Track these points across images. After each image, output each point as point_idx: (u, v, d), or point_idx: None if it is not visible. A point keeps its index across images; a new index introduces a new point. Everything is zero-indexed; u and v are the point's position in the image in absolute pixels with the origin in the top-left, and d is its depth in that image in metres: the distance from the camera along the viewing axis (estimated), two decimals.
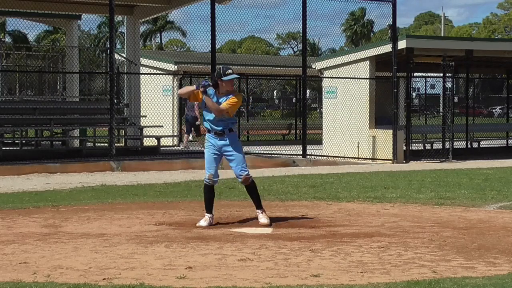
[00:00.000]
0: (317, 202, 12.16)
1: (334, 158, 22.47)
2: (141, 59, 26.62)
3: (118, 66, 24.09)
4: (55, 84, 30.76)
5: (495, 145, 29.76)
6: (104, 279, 6.45)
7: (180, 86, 31.35)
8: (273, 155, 22.45)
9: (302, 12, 21.87)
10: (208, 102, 9.60)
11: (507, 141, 30.84)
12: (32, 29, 48.98)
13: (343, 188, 14.17)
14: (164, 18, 70.44)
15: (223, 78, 9.51)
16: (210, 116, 9.67)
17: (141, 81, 25.12)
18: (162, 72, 29.11)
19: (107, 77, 22.88)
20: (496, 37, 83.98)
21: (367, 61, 23.27)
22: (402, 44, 22.30)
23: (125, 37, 26.64)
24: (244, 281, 6.38)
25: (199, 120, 26.90)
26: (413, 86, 36.87)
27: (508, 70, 31.44)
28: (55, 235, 8.86)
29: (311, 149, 22.43)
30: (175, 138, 27.85)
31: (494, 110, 63.17)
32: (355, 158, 22.56)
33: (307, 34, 22.51)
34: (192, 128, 27.54)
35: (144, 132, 22.96)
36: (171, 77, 29.40)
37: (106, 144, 21.63)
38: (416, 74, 28.44)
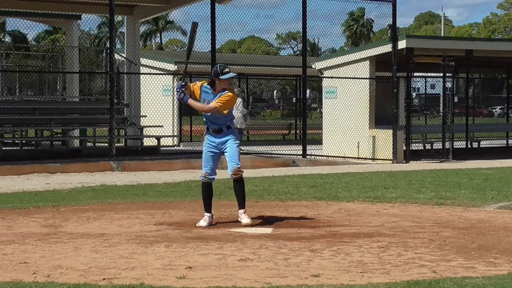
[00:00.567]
0: (317, 202, 12.16)
1: (334, 158, 22.47)
2: (141, 59, 26.62)
3: (118, 66, 24.09)
4: (55, 84, 30.76)
5: (495, 145, 29.77)
6: (104, 279, 6.45)
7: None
8: (273, 155, 22.44)
9: (302, 12, 21.87)
10: (195, 106, 9.66)
11: (507, 141, 30.85)
12: (32, 29, 49.02)
13: (343, 188, 14.17)
14: (164, 18, 70.47)
15: (221, 77, 9.52)
16: (207, 114, 9.68)
17: (141, 81, 25.12)
18: (162, 72, 29.10)
19: (107, 77, 22.89)
20: (496, 37, 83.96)
21: (367, 61, 23.28)
22: (402, 44, 22.30)
23: (125, 37, 26.64)
24: (244, 281, 6.38)
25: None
26: (413, 86, 36.88)
27: (508, 70, 31.45)
28: (55, 235, 8.86)
29: (311, 149, 22.43)
30: (175, 138, 27.85)
31: (494, 110, 63.17)
32: (355, 158, 22.56)
33: (307, 34, 22.52)
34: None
35: (144, 132, 22.96)
36: (171, 77, 29.38)
37: (106, 144, 21.63)
38: (416, 74, 28.45)
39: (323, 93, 25.33)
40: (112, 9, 19.56)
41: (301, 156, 21.85)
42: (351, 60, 23.77)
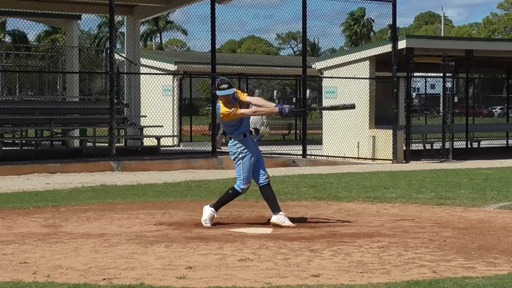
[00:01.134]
0: (317, 202, 12.17)
1: (334, 158, 22.47)
2: (141, 59, 26.61)
3: (118, 66, 24.08)
4: (55, 84, 30.74)
5: (495, 145, 29.76)
6: (104, 279, 6.45)
7: (180, 86, 31.37)
8: (273, 155, 22.43)
9: (302, 12, 21.86)
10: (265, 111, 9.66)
11: (507, 141, 30.85)
12: (32, 29, 48.97)
13: (343, 188, 14.17)
14: (164, 18, 70.47)
15: (217, 93, 9.48)
16: (237, 124, 9.52)
17: (141, 81, 25.11)
18: (162, 72, 29.10)
19: (107, 77, 22.87)
20: (496, 37, 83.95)
21: (367, 61, 23.28)
22: (402, 44, 22.30)
23: (125, 37, 26.63)
24: (244, 281, 6.38)
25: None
26: (413, 86, 36.89)
27: (508, 70, 31.45)
28: (55, 235, 8.86)
29: (311, 149, 22.43)
30: (175, 138, 27.85)
31: (494, 110, 63.17)
32: (355, 158, 22.56)
33: (307, 34, 22.51)
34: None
35: (144, 132, 22.95)
36: (171, 77, 29.39)
37: (106, 144, 21.63)
38: (416, 74, 28.45)
39: (323, 93, 25.32)
40: (112, 9, 19.56)
41: (301, 156, 21.84)
42: (351, 60, 23.77)
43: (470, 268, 6.97)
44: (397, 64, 22.03)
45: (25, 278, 6.48)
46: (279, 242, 8.29)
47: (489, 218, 10.35)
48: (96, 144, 25.53)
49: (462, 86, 43.65)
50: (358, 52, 24.12)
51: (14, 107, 22.63)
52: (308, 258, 7.38)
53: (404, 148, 22.47)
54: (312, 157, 22.24)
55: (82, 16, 26.98)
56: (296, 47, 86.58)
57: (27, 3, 23.37)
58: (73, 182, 15.70)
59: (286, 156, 22.39)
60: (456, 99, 35.84)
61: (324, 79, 24.92)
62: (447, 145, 23.04)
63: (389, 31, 22.67)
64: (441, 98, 25.53)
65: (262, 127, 25.34)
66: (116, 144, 19.80)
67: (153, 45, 78.26)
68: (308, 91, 29.40)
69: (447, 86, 23.94)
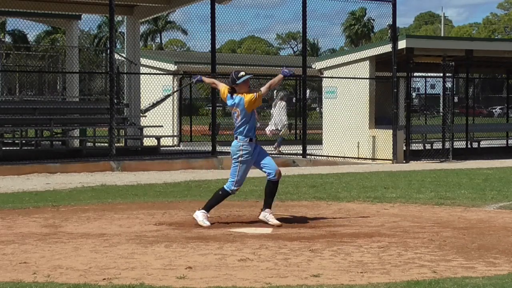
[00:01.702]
0: (317, 202, 12.17)
1: (334, 158, 22.47)
2: (141, 59, 26.60)
3: (118, 66, 24.07)
4: (55, 84, 30.75)
5: (495, 145, 29.76)
6: (104, 279, 6.45)
7: (180, 86, 31.37)
8: (273, 155, 22.40)
9: (302, 12, 21.85)
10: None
11: (507, 141, 30.84)
12: (32, 29, 48.99)
13: (343, 188, 14.17)
14: (164, 18, 70.47)
15: (238, 82, 9.58)
16: (250, 124, 9.66)
17: (141, 81, 25.11)
18: (162, 72, 29.10)
19: (107, 77, 22.87)
20: (496, 37, 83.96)
21: (367, 61, 23.27)
22: (402, 44, 22.30)
23: (125, 37, 26.63)
24: (244, 281, 6.38)
25: (258, 124, 27.43)
26: (413, 86, 36.87)
27: (508, 70, 31.44)
28: (55, 235, 8.86)
29: (311, 149, 22.43)
30: (175, 138, 27.85)
31: (494, 110, 63.17)
32: (355, 158, 22.55)
33: (307, 34, 22.51)
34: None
35: (144, 132, 22.95)
36: (171, 77, 29.39)
37: (106, 144, 21.62)
38: (416, 74, 28.44)
39: (323, 93, 25.32)
40: (112, 9, 19.55)
41: (301, 156, 21.84)
42: (351, 60, 23.77)
43: (470, 268, 6.97)
44: (397, 64, 22.02)
45: (25, 278, 6.48)
46: (279, 242, 8.29)
47: (489, 218, 10.36)
48: (96, 144, 25.52)
49: (462, 86, 43.64)
50: (358, 52, 24.11)
51: (14, 107, 22.62)
52: (308, 258, 7.39)
53: (404, 148, 22.47)
54: (312, 157, 22.24)
55: (82, 16, 26.97)
56: (296, 47, 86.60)
57: (27, 3, 23.36)
58: (73, 182, 15.70)
59: (286, 156, 22.39)
60: (456, 99, 35.83)
61: (324, 79, 24.92)
62: (447, 145, 23.04)
63: (389, 31, 22.67)
64: (441, 98, 25.53)
65: (283, 130, 25.41)
66: (116, 144, 19.79)
67: (153, 45, 78.25)
68: (308, 91, 29.38)
69: (447, 86, 23.94)
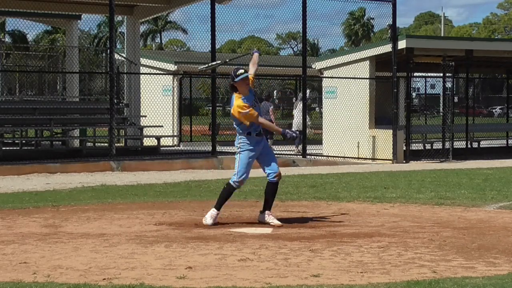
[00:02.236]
0: (317, 202, 12.16)
1: (334, 158, 22.47)
2: (141, 59, 26.61)
3: (118, 66, 24.08)
4: (55, 84, 30.76)
5: (495, 145, 29.76)
6: (104, 279, 6.45)
7: (180, 86, 31.38)
8: (277, 155, 22.42)
9: (302, 12, 21.86)
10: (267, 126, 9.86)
11: (507, 141, 30.85)
12: (32, 29, 49.01)
13: (343, 188, 14.17)
14: (164, 18, 70.47)
15: (236, 80, 9.53)
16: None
17: (141, 81, 25.12)
18: (162, 72, 29.10)
19: (107, 77, 22.88)
20: (496, 37, 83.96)
21: (367, 61, 23.28)
22: (402, 44, 22.30)
23: (125, 37, 26.64)
24: (244, 281, 6.38)
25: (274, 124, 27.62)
26: (413, 86, 36.89)
27: (508, 70, 31.45)
28: (55, 235, 8.86)
29: (311, 149, 22.43)
30: (175, 138, 27.85)
31: (494, 110, 63.18)
32: (355, 158, 22.56)
33: (307, 34, 22.51)
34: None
35: (144, 132, 22.96)
36: (171, 77, 29.39)
37: (106, 144, 21.63)
38: (416, 74, 28.45)
39: (323, 93, 25.33)
40: (112, 9, 19.56)
41: (301, 156, 21.84)
42: (351, 60, 23.77)
43: (470, 268, 6.97)
44: (397, 64, 22.02)
45: (25, 278, 6.48)
46: (279, 242, 8.29)
47: (489, 218, 10.35)
48: (96, 144, 25.53)
49: (462, 86, 43.66)
50: (358, 52, 24.11)
51: (14, 107, 22.63)
52: (308, 258, 7.39)
53: (404, 148, 22.47)
54: (312, 157, 22.24)
55: (82, 16, 26.98)
56: (296, 47, 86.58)
57: (27, 3, 23.37)
58: (73, 182, 15.70)
59: (286, 156, 22.39)
60: (456, 99, 35.84)
61: (324, 79, 24.92)
62: (447, 145, 23.05)
63: (389, 31, 22.67)
64: (441, 98, 25.53)
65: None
66: (116, 144, 19.80)
67: (153, 45, 78.25)
68: (308, 91, 29.32)
69: (447, 86, 23.94)
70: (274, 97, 72.34)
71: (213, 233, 8.98)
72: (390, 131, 21.98)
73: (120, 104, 23.33)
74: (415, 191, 13.63)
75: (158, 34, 79.85)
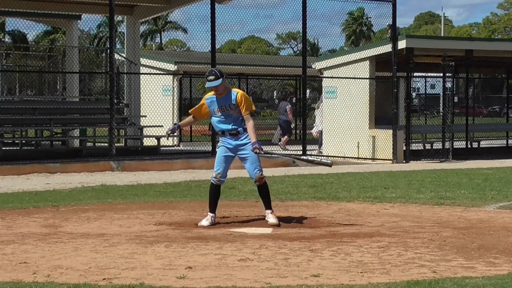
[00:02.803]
0: (317, 202, 12.17)
1: (334, 158, 22.45)
2: (141, 59, 26.61)
3: (118, 66, 24.08)
4: (55, 84, 30.75)
5: (495, 145, 29.76)
6: (104, 279, 6.45)
7: (180, 86, 31.39)
8: (273, 155, 22.39)
9: (302, 12, 21.85)
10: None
11: (507, 141, 30.84)
12: (32, 29, 49.02)
13: (343, 188, 14.17)
14: (164, 18, 70.46)
15: (205, 84, 9.69)
16: (218, 118, 9.68)
17: (141, 81, 25.12)
18: (162, 72, 29.09)
19: (107, 77, 22.87)
20: (496, 37, 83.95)
21: (367, 61, 23.27)
22: (402, 44, 22.30)
23: (125, 37, 26.64)
24: (244, 281, 6.38)
25: (292, 123, 27.79)
26: (413, 86, 36.86)
27: (508, 70, 31.43)
28: (55, 235, 8.86)
29: (311, 149, 22.42)
30: (175, 138, 27.84)
31: (495, 110, 63.20)
32: (355, 158, 22.55)
33: (307, 34, 22.51)
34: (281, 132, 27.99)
35: (144, 132, 22.95)
36: (171, 77, 29.39)
37: (106, 144, 21.62)
38: (416, 74, 28.43)
39: (323, 93, 25.32)
40: (112, 9, 19.56)
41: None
42: (351, 60, 23.76)
43: (470, 268, 6.97)
44: (397, 64, 22.02)
45: (25, 278, 6.48)
46: (279, 242, 8.29)
47: (489, 218, 10.36)
48: (96, 144, 25.53)
49: (462, 86, 43.66)
50: (358, 52, 24.10)
51: (14, 107, 22.63)
52: (308, 258, 7.39)
53: (404, 148, 22.46)
54: (312, 157, 22.22)
55: (82, 16, 26.98)
56: (296, 47, 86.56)
57: (27, 3, 23.36)
58: (73, 182, 15.71)
59: (286, 156, 22.35)
60: (456, 99, 35.84)
61: (324, 79, 24.91)
62: (447, 145, 23.04)
63: (389, 31, 22.67)
64: (441, 98, 25.51)
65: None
66: (116, 144, 19.80)
67: (153, 45, 78.25)
68: (308, 91, 29.40)
69: (447, 86, 23.93)
70: (274, 97, 72.37)
71: (213, 233, 8.98)
72: (390, 131, 21.97)
73: (120, 104, 23.33)
74: (415, 191, 13.63)
75: (158, 34, 79.85)
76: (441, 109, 26.67)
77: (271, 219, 9.67)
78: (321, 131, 24.84)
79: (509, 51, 25.04)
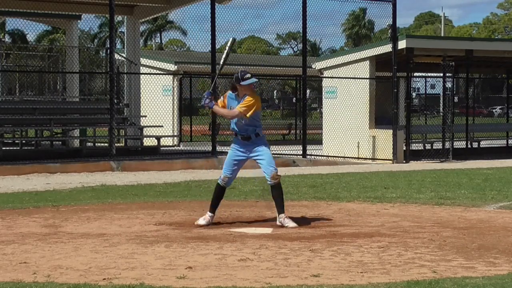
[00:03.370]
0: (317, 202, 12.16)
1: (334, 158, 22.46)
2: (141, 59, 26.62)
3: (118, 66, 24.08)
4: (55, 84, 30.76)
5: (495, 145, 29.76)
6: (104, 279, 6.45)
7: (180, 86, 31.39)
8: (273, 155, 22.39)
9: (302, 12, 21.86)
10: (219, 112, 9.72)
11: (507, 141, 30.85)
12: (32, 29, 49.02)
13: (343, 188, 14.17)
14: (164, 18, 70.43)
15: (242, 83, 9.56)
16: (234, 121, 9.68)
17: (141, 81, 25.12)
18: (162, 72, 29.10)
19: (107, 77, 22.88)
20: (496, 37, 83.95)
21: (367, 61, 23.27)
22: (402, 44, 22.30)
23: (125, 37, 26.65)
24: (244, 281, 6.38)
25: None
26: (413, 86, 36.88)
27: (508, 70, 31.45)
28: (55, 235, 8.86)
29: (311, 149, 22.43)
30: (175, 138, 27.86)
31: (494, 110, 63.20)
32: (355, 158, 22.55)
33: (307, 34, 22.51)
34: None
35: (144, 132, 22.95)
36: (171, 77, 29.40)
37: (106, 144, 21.63)
38: (416, 74, 28.45)
39: (323, 93, 25.33)
40: (112, 9, 19.56)
41: (301, 156, 21.84)
42: (351, 60, 23.77)
43: (470, 268, 6.97)
44: (397, 64, 22.02)
45: (25, 278, 6.48)
46: (279, 242, 8.29)
47: (489, 218, 10.35)
48: (96, 144, 25.53)
49: (462, 86, 43.67)
50: (358, 52, 24.11)
51: (14, 107, 22.63)
52: (308, 258, 7.38)
53: (404, 148, 22.46)
54: (312, 157, 22.24)
55: (82, 16, 26.98)
56: (296, 47, 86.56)
57: (27, 3, 23.37)
58: (73, 182, 15.70)
59: (286, 156, 22.39)
60: (456, 99, 35.85)
61: (324, 79, 24.92)
62: (447, 145, 23.04)
63: (389, 31, 22.67)
64: (441, 98, 25.52)
65: None
66: (116, 144, 19.80)
67: (153, 45, 78.26)
68: (308, 91, 29.42)
69: (447, 86, 23.93)
70: (274, 97, 72.39)
71: (213, 233, 8.98)
72: (390, 131, 21.97)
73: (120, 104, 23.33)
74: (415, 191, 13.63)
75: (158, 34, 79.85)
76: (441, 109, 26.67)
77: (289, 223, 9.50)
78: None
79: (509, 51, 25.04)
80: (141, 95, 24.99)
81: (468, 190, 13.71)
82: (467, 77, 29.66)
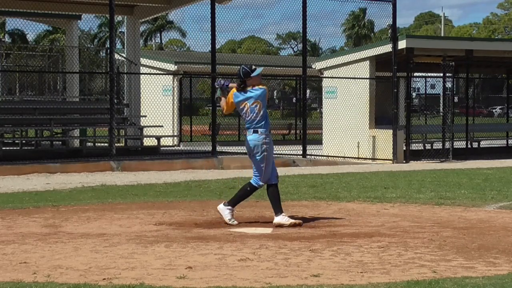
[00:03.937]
0: (317, 202, 12.16)
1: (334, 158, 22.47)
2: (141, 59, 26.62)
3: (118, 66, 24.09)
4: (55, 84, 30.76)
5: (495, 145, 29.76)
6: (104, 279, 6.45)
7: (180, 86, 31.39)
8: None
9: (302, 12, 21.86)
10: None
11: (507, 141, 30.86)
12: (32, 29, 49.00)
13: (343, 188, 14.17)
14: (164, 18, 70.47)
15: (253, 75, 9.58)
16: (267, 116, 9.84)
17: (141, 81, 25.13)
18: (162, 72, 29.11)
19: (107, 77, 22.88)
20: (496, 37, 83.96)
21: (367, 61, 23.28)
22: (402, 44, 22.31)
23: (125, 37, 26.65)
24: (244, 281, 6.38)
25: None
26: (413, 86, 36.88)
27: (508, 70, 31.46)
28: (55, 235, 8.86)
29: (311, 149, 22.43)
30: (175, 138, 27.86)
31: (494, 110, 63.18)
32: (355, 158, 22.56)
33: (307, 34, 22.51)
34: None
35: (144, 132, 22.96)
36: (171, 77, 29.40)
37: (106, 144, 21.63)
38: (416, 74, 28.45)
39: (323, 93, 25.33)
40: (112, 9, 19.56)
41: (301, 156, 21.84)
42: (351, 60, 23.78)
43: (470, 268, 6.97)
44: (397, 64, 22.02)
45: (25, 278, 6.48)
46: (279, 242, 8.29)
47: (489, 218, 10.35)
48: (96, 144, 25.54)
49: (462, 86, 43.67)
50: (358, 52, 24.12)
51: (14, 107, 22.64)
52: (308, 258, 7.38)
53: (404, 148, 22.47)
54: (312, 157, 22.24)
55: (82, 16, 26.99)
56: (296, 47, 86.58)
57: (27, 3, 23.37)
58: (73, 182, 15.70)
59: (286, 156, 22.39)
60: (456, 99, 35.85)
61: (324, 79, 24.92)
62: (447, 145, 23.05)
63: (389, 31, 22.68)
64: (441, 98, 25.52)
65: None
66: (116, 144, 19.80)
67: (153, 45, 78.27)
68: (308, 91, 29.41)
69: (447, 86, 23.94)
70: (274, 97, 72.37)
71: (213, 233, 8.98)
72: (390, 131, 21.98)
73: (120, 104, 23.34)
74: (415, 191, 13.63)
75: (158, 34, 79.87)
76: (441, 109, 26.68)
77: (289, 220, 9.50)
78: None
79: (509, 51, 25.05)
80: (141, 95, 25.00)
81: (468, 190, 13.72)
82: (467, 77, 29.67)
